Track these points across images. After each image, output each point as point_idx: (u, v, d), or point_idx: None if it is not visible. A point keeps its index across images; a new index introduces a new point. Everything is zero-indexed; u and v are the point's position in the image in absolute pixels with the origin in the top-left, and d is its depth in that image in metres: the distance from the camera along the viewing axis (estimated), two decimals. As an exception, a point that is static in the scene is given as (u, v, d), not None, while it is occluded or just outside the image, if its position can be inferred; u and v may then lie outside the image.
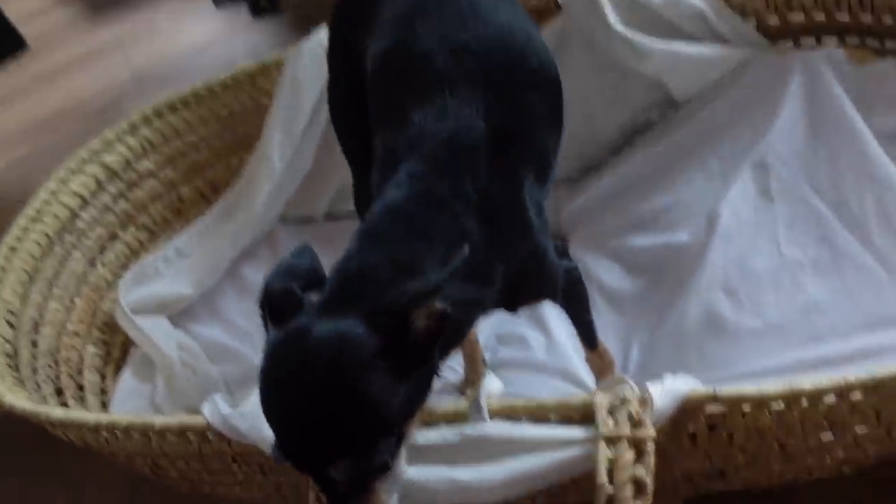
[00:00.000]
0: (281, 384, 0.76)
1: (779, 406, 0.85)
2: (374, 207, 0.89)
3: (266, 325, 0.82)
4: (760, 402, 0.85)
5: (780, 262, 1.24)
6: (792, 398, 0.84)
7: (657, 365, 1.17)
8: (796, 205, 1.28)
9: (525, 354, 1.29)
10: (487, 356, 1.29)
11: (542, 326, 1.31)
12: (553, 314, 1.31)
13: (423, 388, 0.81)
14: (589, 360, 1.20)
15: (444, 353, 0.87)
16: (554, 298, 1.07)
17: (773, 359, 1.12)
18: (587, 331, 1.15)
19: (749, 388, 0.85)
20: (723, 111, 1.45)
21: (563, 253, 1.06)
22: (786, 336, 1.16)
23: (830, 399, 0.85)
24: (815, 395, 0.84)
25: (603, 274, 1.36)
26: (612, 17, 1.42)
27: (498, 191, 0.90)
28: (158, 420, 0.98)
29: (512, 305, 0.99)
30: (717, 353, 1.17)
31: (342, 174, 1.54)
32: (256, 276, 1.49)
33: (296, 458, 0.76)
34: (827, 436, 0.91)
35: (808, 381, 0.85)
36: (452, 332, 0.84)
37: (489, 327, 1.34)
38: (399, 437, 0.78)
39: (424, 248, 0.83)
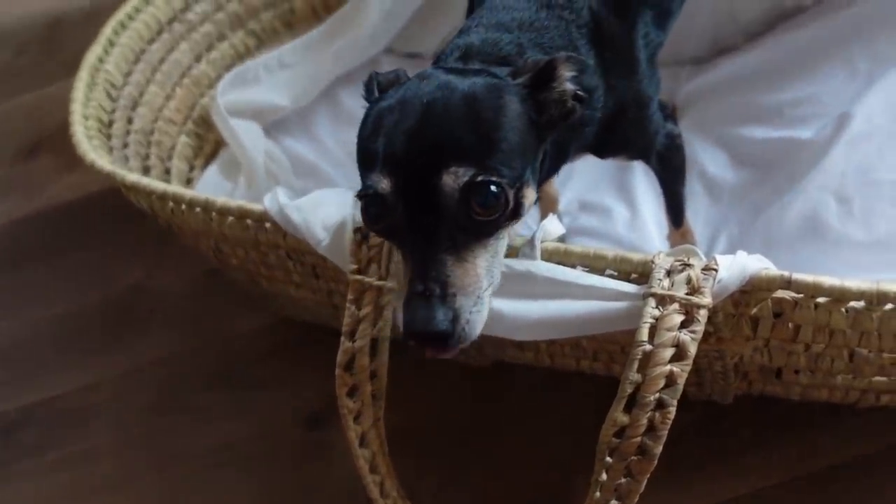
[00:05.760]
0: (398, 106, 0.73)
1: (858, 305, 0.77)
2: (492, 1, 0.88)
3: (370, 98, 0.79)
4: (838, 297, 0.77)
5: (908, 176, 1.11)
6: (876, 298, 0.76)
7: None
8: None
9: (605, 226, 1.23)
10: (566, 221, 1.24)
11: (629, 201, 1.24)
12: (642, 189, 1.23)
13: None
14: (670, 239, 1.14)
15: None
16: (647, 158, 1.00)
17: (871, 275, 1.01)
18: (676, 205, 1.08)
19: (828, 278, 0.77)
20: (886, 6, 1.28)
21: (669, 116, 1.00)
22: (891, 254, 1.05)
23: (919, 310, 0.76)
24: (903, 301, 0.75)
25: (707, 161, 1.26)
26: None
27: (611, 21, 0.87)
28: (220, 200, 0.98)
29: (602, 150, 0.94)
30: (811, 258, 1.07)
31: (456, 15, 1.47)
32: (352, 101, 1.47)
33: (408, 159, 0.70)
34: (906, 353, 0.82)
35: (897, 286, 0.76)
36: (550, 158, 0.81)
37: (574, 192, 1.28)
38: (517, 193, 0.72)
39: (538, 48, 0.83)
